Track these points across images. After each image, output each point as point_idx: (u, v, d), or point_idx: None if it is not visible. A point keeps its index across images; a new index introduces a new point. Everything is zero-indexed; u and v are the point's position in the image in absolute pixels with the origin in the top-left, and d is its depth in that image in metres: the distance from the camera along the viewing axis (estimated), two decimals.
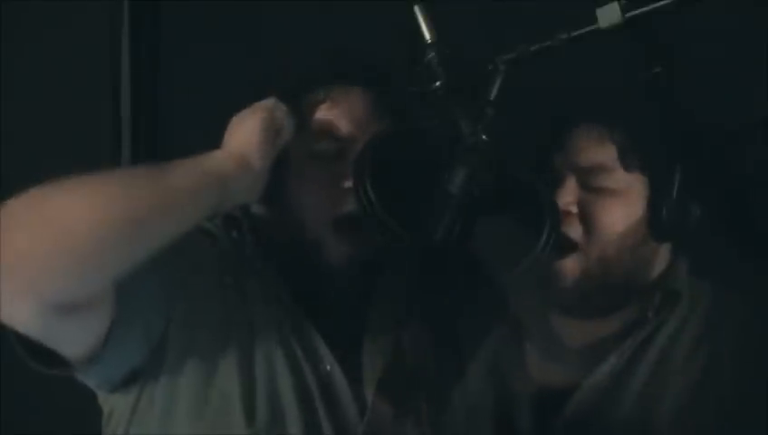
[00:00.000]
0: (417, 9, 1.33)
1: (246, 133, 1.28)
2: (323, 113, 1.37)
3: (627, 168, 1.45)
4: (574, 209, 1.46)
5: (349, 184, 1.33)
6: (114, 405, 1.32)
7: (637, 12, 1.25)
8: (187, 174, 1.20)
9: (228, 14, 2.08)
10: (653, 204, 1.44)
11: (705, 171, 1.45)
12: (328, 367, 1.35)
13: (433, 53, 1.32)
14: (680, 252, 1.51)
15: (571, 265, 1.46)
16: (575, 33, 1.29)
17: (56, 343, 1.17)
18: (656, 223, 1.44)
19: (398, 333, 1.44)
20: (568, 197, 1.46)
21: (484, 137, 1.30)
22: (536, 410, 1.50)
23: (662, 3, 1.24)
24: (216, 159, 1.25)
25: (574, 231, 1.46)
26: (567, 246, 1.46)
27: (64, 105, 2.04)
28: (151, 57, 2.14)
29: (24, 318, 1.09)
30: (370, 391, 1.36)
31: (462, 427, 1.44)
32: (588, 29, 1.27)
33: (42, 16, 2.04)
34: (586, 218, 1.45)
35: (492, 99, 1.31)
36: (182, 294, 1.29)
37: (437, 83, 1.32)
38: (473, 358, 1.50)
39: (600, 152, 1.46)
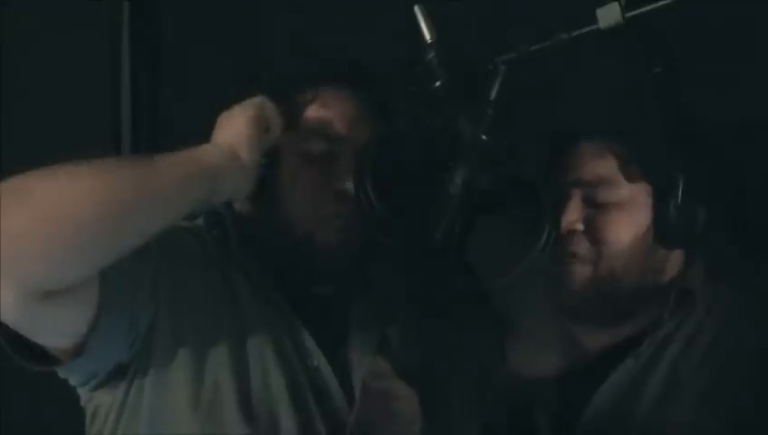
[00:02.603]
0: (417, 9, 1.33)
1: (236, 127, 1.28)
2: (313, 113, 1.38)
3: (629, 178, 1.45)
4: (580, 227, 1.46)
5: (340, 185, 1.34)
6: (99, 403, 1.31)
7: (637, 12, 1.25)
8: (175, 165, 1.19)
9: (228, 13, 2.08)
10: (658, 211, 1.44)
11: (708, 173, 1.45)
12: (315, 362, 1.35)
13: (433, 53, 1.32)
14: (694, 255, 1.50)
15: (579, 281, 1.46)
16: (575, 33, 1.29)
17: (40, 335, 1.17)
18: (663, 230, 1.44)
19: (385, 327, 1.44)
20: (573, 215, 1.46)
21: (484, 137, 1.30)
22: (555, 415, 1.50)
23: (662, 3, 1.24)
24: (206, 152, 1.25)
25: (581, 248, 1.46)
26: (575, 262, 1.46)
27: (64, 105, 2.04)
28: (151, 57, 2.14)
29: (6, 305, 1.08)
30: (358, 384, 1.37)
31: (453, 424, 1.45)
32: (588, 29, 1.27)
33: (41, 17, 2.04)
34: (592, 234, 1.45)
35: (492, 99, 1.31)
36: (168, 290, 1.28)
37: (437, 83, 1.32)
38: (462, 356, 1.50)
39: (601, 166, 1.46)
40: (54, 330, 1.18)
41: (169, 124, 2.15)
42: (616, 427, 1.45)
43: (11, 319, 1.12)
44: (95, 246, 1.10)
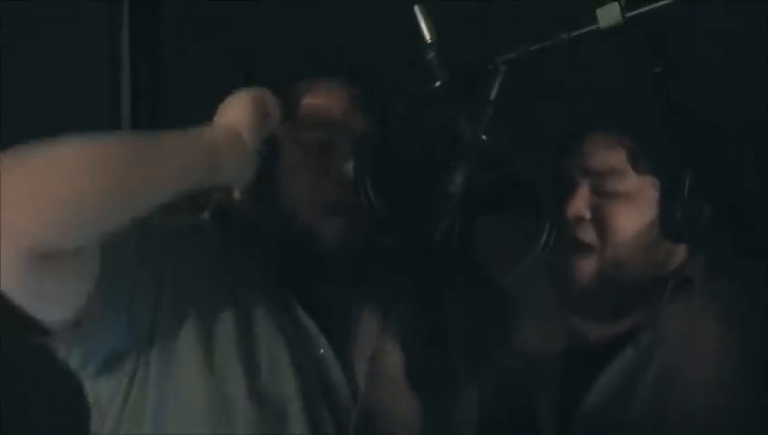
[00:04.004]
0: (417, 9, 1.33)
1: (237, 111, 1.30)
2: (309, 103, 1.39)
3: (638, 170, 1.46)
4: (587, 215, 1.46)
5: (338, 170, 1.35)
6: (99, 392, 1.31)
7: (637, 12, 1.25)
8: (177, 141, 1.22)
9: (228, 13, 2.08)
10: (665, 205, 1.44)
11: (711, 171, 1.45)
12: (321, 350, 1.36)
13: (433, 53, 1.32)
14: (696, 250, 1.51)
15: (584, 268, 1.46)
16: (575, 33, 1.29)
17: (37, 304, 1.16)
18: (668, 224, 1.44)
19: (386, 320, 1.44)
20: (580, 202, 1.46)
21: (484, 137, 1.30)
22: (556, 402, 1.51)
23: (662, 3, 1.24)
24: (208, 131, 1.27)
25: (587, 235, 1.46)
26: (580, 250, 1.46)
27: (64, 105, 2.04)
28: (151, 57, 2.14)
29: (5, 267, 1.08)
30: (361, 375, 1.38)
31: (453, 415, 1.46)
32: (588, 29, 1.28)
33: (41, 16, 2.04)
34: (599, 223, 1.46)
35: (492, 99, 1.31)
36: (171, 285, 1.29)
37: (437, 83, 1.32)
38: (461, 350, 1.50)
39: (611, 156, 1.47)
40: (52, 299, 1.17)
41: (169, 124, 2.14)
42: (615, 415, 1.45)
43: (10, 282, 1.11)
44: (93, 215, 1.12)
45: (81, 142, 1.14)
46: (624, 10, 1.25)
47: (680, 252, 1.50)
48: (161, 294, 1.28)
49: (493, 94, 1.32)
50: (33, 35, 2.04)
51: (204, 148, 1.24)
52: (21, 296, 1.14)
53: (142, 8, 2.13)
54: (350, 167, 1.34)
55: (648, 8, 1.25)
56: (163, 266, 1.29)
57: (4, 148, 1.96)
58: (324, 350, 1.36)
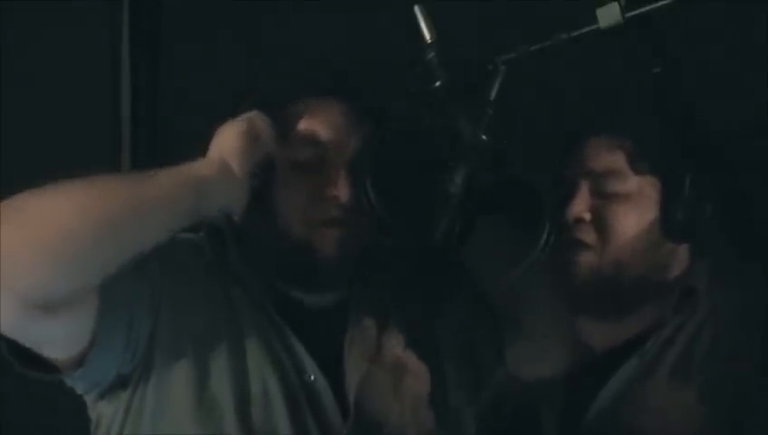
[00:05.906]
0: (417, 9, 1.33)
1: (226, 141, 1.31)
2: (302, 123, 1.40)
3: (637, 171, 1.46)
4: (587, 217, 1.46)
5: (330, 190, 1.36)
6: (102, 411, 1.34)
7: (637, 12, 1.25)
8: (163, 179, 1.23)
9: (228, 14, 2.08)
10: (665, 205, 1.45)
11: (711, 171, 1.45)
12: (312, 377, 1.37)
13: (433, 53, 1.32)
14: (699, 252, 1.51)
15: (584, 266, 1.46)
16: (575, 33, 1.29)
17: (39, 345, 1.19)
18: (669, 224, 1.44)
19: (379, 339, 1.44)
20: (581, 205, 1.47)
21: (484, 137, 1.30)
22: (561, 412, 1.51)
23: (662, 3, 1.24)
24: (195, 166, 1.28)
25: (587, 236, 1.46)
26: (580, 249, 1.46)
27: (64, 105, 2.04)
28: (151, 57, 2.14)
29: (7, 318, 1.11)
30: (352, 396, 1.38)
31: (449, 414, 1.46)
32: (588, 29, 1.28)
33: (41, 16, 2.04)
34: (599, 224, 1.46)
35: (492, 99, 1.31)
36: (168, 303, 1.31)
37: (437, 83, 1.32)
38: (455, 362, 1.50)
39: (611, 158, 1.47)
40: (53, 341, 1.20)
41: (169, 124, 2.15)
42: (620, 425, 1.45)
43: (12, 332, 1.15)
44: (87, 261, 1.14)
45: (71, 193, 1.15)
46: (624, 10, 1.25)
47: (682, 254, 1.50)
48: (158, 307, 1.30)
49: (493, 94, 1.32)
50: (33, 35, 2.04)
51: (192, 183, 1.25)
52: (22, 339, 1.17)
53: (142, 8, 2.12)
54: (344, 187, 1.35)
55: (648, 8, 1.25)
56: (160, 279, 1.31)
57: (4, 148, 1.97)
58: (314, 374, 1.37)
